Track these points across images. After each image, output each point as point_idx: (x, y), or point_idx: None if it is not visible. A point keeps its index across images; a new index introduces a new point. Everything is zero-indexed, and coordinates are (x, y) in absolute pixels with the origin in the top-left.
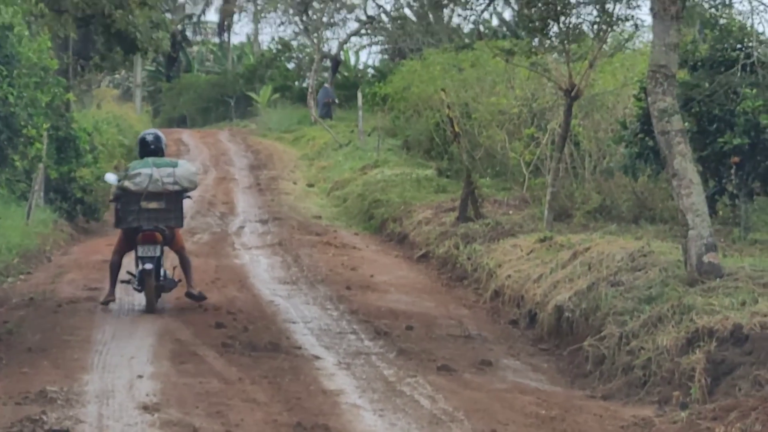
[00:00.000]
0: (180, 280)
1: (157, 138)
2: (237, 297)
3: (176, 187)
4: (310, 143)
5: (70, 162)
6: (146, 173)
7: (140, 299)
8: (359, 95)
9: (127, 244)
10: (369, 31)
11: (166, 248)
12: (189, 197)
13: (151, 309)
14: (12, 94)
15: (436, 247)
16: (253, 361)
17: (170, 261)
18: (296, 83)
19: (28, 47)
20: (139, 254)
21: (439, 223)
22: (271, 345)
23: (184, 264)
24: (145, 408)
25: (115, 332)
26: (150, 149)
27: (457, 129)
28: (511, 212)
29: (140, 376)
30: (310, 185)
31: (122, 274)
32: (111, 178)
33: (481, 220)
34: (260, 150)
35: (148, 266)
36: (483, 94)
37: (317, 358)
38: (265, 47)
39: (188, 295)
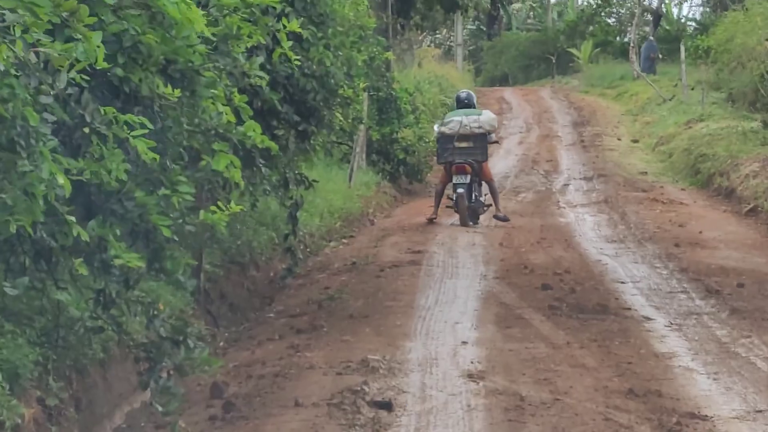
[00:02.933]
0: (490, 205)
1: (469, 95)
2: (563, 257)
3: (481, 130)
4: (633, 98)
5: (392, 123)
6: (457, 120)
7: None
8: (682, 48)
9: (447, 176)
10: None
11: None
12: (495, 141)
13: (464, 223)
14: (328, 56)
15: (765, 200)
16: (581, 324)
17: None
18: (617, 38)
19: (344, 4)
20: (453, 182)
21: (767, 176)
22: (600, 307)
23: (493, 191)
24: (470, 376)
25: (438, 297)
26: (464, 103)
27: None
28: None
29: (464, 342)
30: (635, 141)
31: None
32: (435, 127)
33: None
34: (582, 106)
35: (460, 190)
36: None
37: (647, 319)
38: (585, 3)
39: (496, 217)
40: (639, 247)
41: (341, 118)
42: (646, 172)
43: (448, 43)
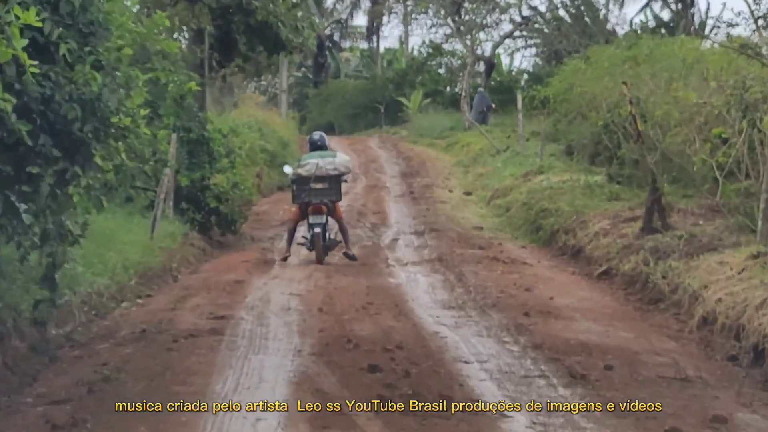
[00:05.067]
0: (340, 241)
1: (321, 137)
2: (394, 327)
3: (336, 172)
4: (464, 149)
5: (203, 167)
6: (313, 162)
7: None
8: (519, 98)
9: (299, 215)
10: (524, 33)
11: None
12: (345, 180)
13: (320, 261)
14: (95, 77)
15: (619, 262)
16: (420, 426)
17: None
18: (447, 88)
19: (125, 13)
20: (310, 221)
21: (619, 235)
22: (443, 398)
23: (344, 230)
24: None
25: (240, 380)
26: (317, 145)
27: (640, 127)
28: (701, 222)
29: None
30: (468, 193)
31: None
32: (288, 169)
33: (671, 232)
34: (412, 157)
35: (317, 230)
36: (659, 90)
37: (503, 416)
38: (415, 52)
39: (345, 254)
40: (482, 316)
41: (124, 158)
42: (481, 228)
43: (272, 89)
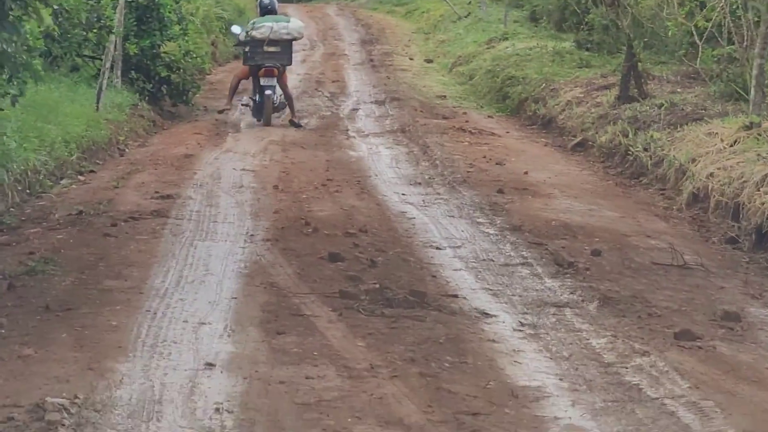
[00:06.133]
0: (286, 105)
1: (272, 2)
2: (356, 207)
3: (289, 36)
4: (424, 16)
5: (153, 35)
6: (268, 26)
7: None
8: None
9: (246, 76)
10: None
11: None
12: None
13: (268, 123)
14: None
15: (595, 133)
16: (389, 328)
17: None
18: None
19: None
20: (262, 84)
21: (593, 104)
22: (414, 294)
23: (288, 97)
24: None
25: (183, 273)
26: (267, 9)
27: None
28: (679, 90)
29: (209, 366)
30: (429, 61)
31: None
32: (237, 29)
33: (649, 100)
34: (371, 24)
35: (268, 92)
36: None
37: (485, 315)
38: None
39: (291, 122)
40: (452, 193)
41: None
42: (444, 96)
43: None
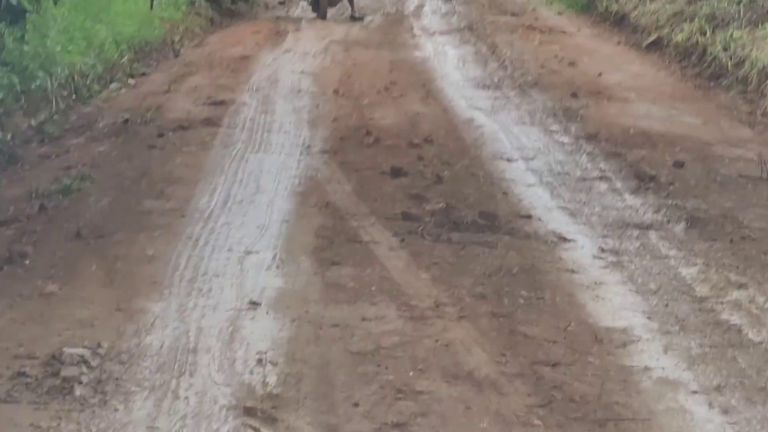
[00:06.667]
0: None
1: None
2: (421, 114)
3: None
4: None
5: None
6: None
7: None
8: None
9: None
10: None
11: None
12: None
13: (324, 16)
14: None
15: (671, 31)
16: (457, 258)
17: None
18: None
19: None
20: None
21: (668, 0)
22: (483, 216)
23: None
24: (250, 413)
25: (231, 191)
26: None
27: None
28: None
29: (253, 305)
30: None
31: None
32: None
33: None
34: None
35: None
36: None
37: (563, 240)
38: None
39: (351, 17)
40: (522, 97)
41: None
42: None
43: None
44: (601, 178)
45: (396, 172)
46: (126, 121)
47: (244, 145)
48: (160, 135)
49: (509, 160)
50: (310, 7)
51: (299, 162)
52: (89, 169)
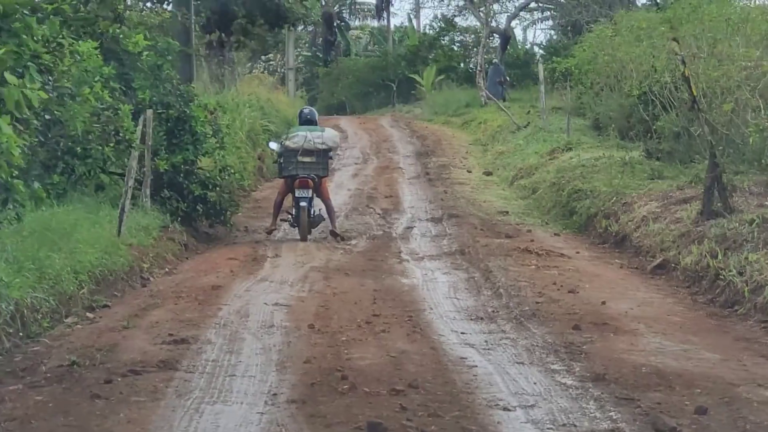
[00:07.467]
0: (325, 218)
1: (311, 111)
2: (406, 353)
3: (324, 146)
4: (482, 126)
5: (186, 149)
6: (302, 135)
7: None
8: (540, 68)
9: (286, 189)
10: (540, 3)
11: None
12: (331, 157)
13: (304, 238)
14: None
15: (678, 253)
16: None
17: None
18: (461, 64)
19: None
20: (296, 195)
21: (673, 220)
22: None
23: (330, 210)
24: None
25: None
26: (307, 119)
27: (695, 92)
28: (767, 203)
29: None
30: (488, 173)
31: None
32: (273, 145)
33: (737, 216)
34: (426, 135)
35: (303, 203)
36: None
37: None
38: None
39: (332, 233)
40: (519, 331)
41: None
42: (506, 212)
43: (282, 69)
44: (613, 431)
45: (373, 429)
46: (72, 363)
47: (201, 393)
48: (108, 381)
49: (506, 409)
50: (292, 230)
51: (261, 416)
52: (19, 425)
